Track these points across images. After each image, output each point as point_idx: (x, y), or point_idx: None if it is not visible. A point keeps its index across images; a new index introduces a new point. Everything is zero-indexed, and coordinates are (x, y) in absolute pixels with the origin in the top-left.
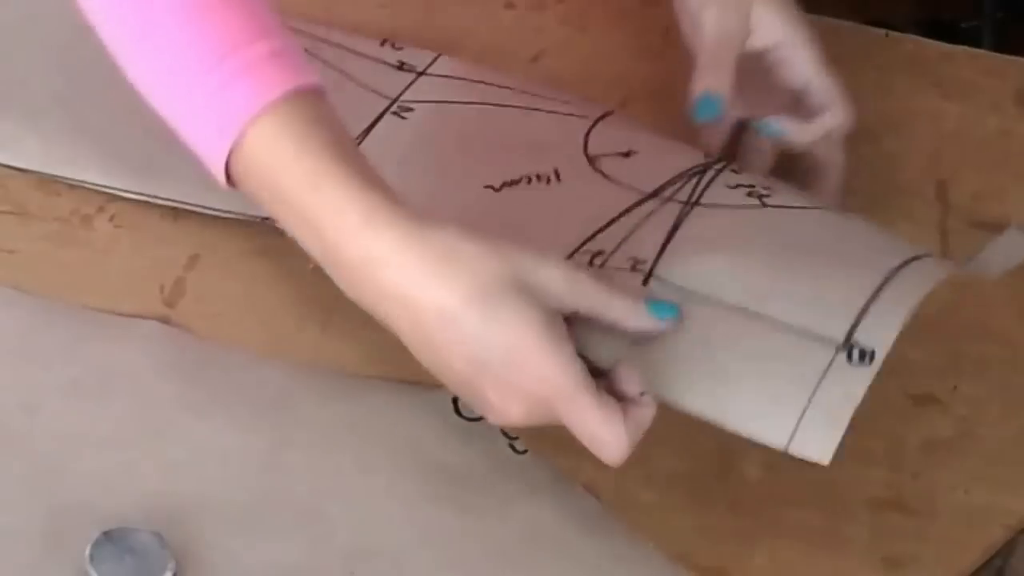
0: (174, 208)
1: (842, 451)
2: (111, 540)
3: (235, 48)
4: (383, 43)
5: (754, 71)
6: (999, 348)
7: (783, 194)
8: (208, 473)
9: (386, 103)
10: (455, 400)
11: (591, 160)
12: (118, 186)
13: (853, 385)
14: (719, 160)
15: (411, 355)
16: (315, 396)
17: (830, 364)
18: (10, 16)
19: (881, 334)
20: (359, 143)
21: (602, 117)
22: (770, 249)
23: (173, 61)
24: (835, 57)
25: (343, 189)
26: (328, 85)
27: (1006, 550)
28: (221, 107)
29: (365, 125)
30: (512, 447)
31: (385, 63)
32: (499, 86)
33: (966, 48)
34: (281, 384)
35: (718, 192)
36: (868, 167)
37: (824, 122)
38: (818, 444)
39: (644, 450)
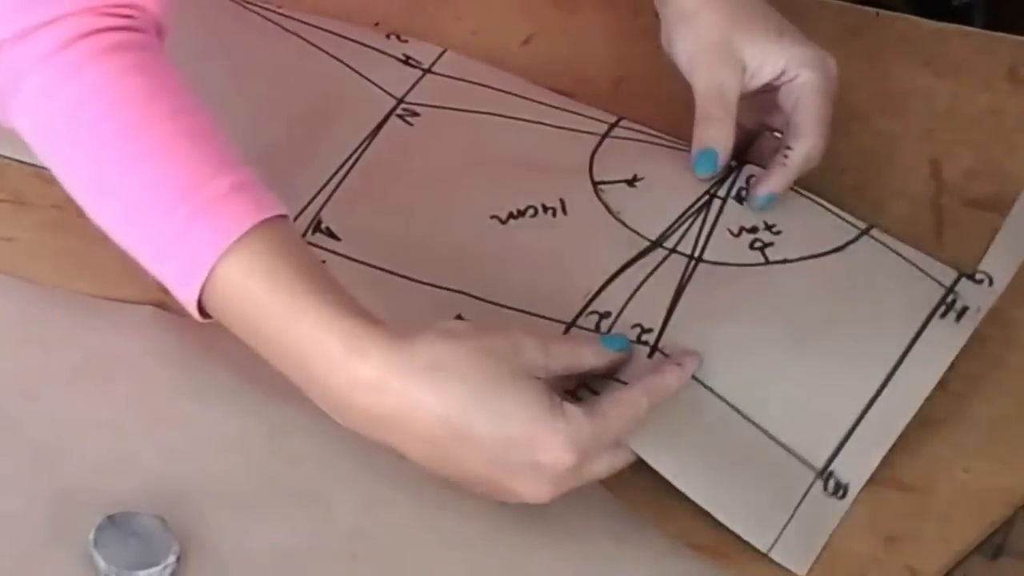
0: None
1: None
2: (115, 524)
3: (194, 188)
4: (388, 36)
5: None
6: (995, 327)
7: (788, 237)
8: (209, 457)
9: (392, 103)
10: None
11: (596, 187)
12: None
13: (827, 516)
14: (724, 181)
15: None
16: None
17: (809, 489)
18: None
19: (857, 469)
20: (366, 146)
21: (608, 132)
22: (768, 339)
23: (133, 210)
24: (827, 37)
25: (323, 320)
26: (333, 78)
27: (1005, 527)
28: (185, 252)
29: (372, 126)
30: None
31: (390, 56)
32: (505, 92)
33: (958, 26)
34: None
35: (722, 241)
36: (861, 146)
37: (795, 157)
38: (795, 557)
39: None
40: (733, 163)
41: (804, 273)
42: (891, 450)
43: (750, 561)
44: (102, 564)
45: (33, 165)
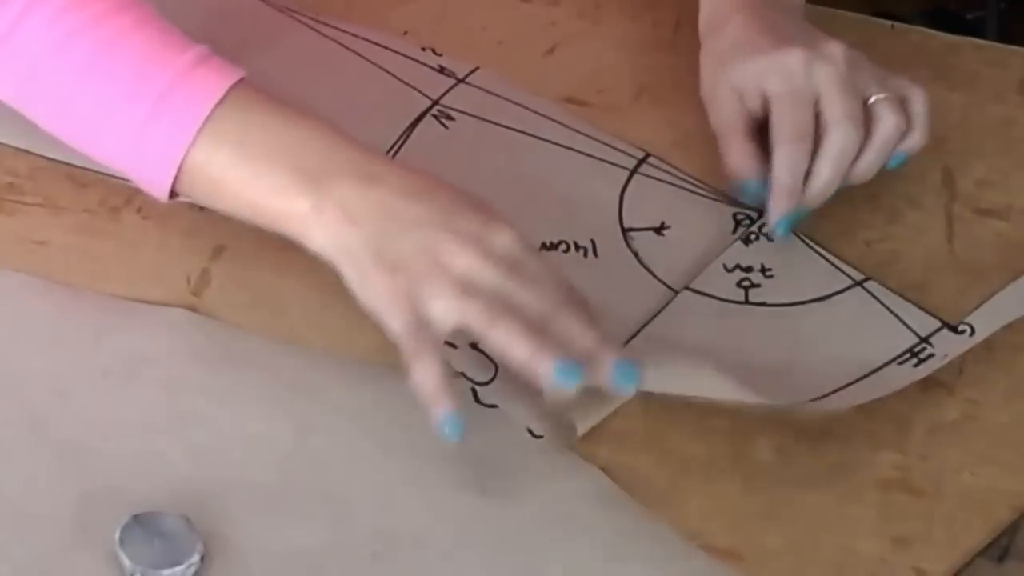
0: None
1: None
2: (140, 524)
3: (156, 72)
4: (424, 48)
5: None
6: (1004, 332)
7: (777, 282)
8: (235, 458)
9: (427, 103)
10: (473, 388)
11: (625, 233)
12: None
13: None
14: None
15: None
16: (338, 383)
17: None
18: None
19: None
20: (401, 143)
21: (637, 168)
22: (717, 372)
23: (98, 106)
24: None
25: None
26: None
27: (1011, 530)
28: (159, 135)
29: (407, 123)
30: (530, 432)
31: (426, 65)
32: (537, 112)
33: (971, 39)
34: (305, 371)
35: (713, 274)
36: None
37: (775, 172)
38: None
39: (658, 433)
40: (752, 216)
41: (776, 318)
42: (901, 454)
43: (764, 562)
44: (127, 563)
45: (67, 164)
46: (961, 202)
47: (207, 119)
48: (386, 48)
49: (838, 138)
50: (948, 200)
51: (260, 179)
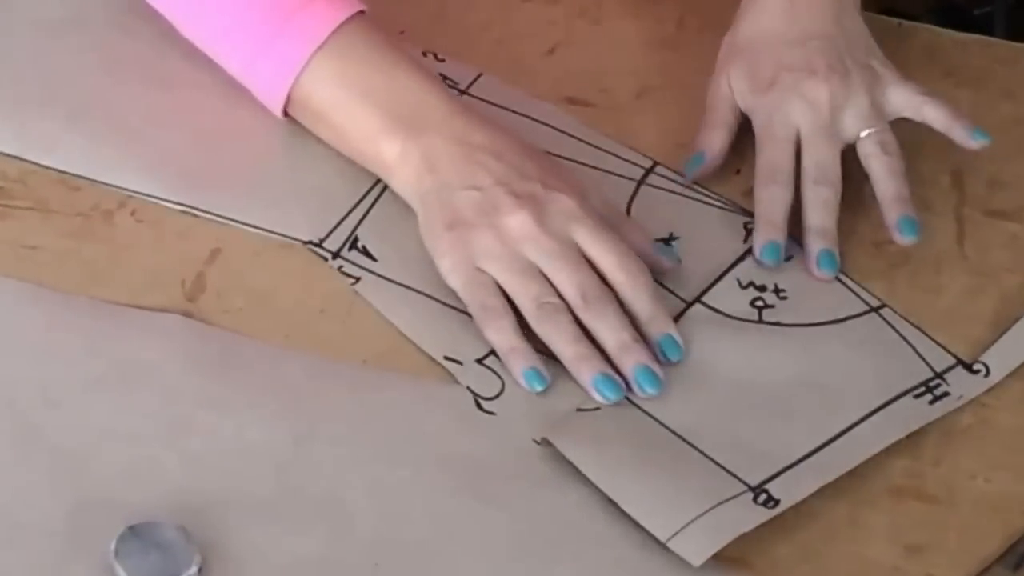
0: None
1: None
2: (136, 534)
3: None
4: (425, 54)
5: None
6: None
7: (792, 304)
8: (232, 467)
9: None
10: (476, 394)
11: None
12: (161, 195)
13: (746, 519)
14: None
15: (431, 349)
16: (337, 389)
17: (737, 496)
18: (52, 16)
19: (793, 491)
20: None
21: (644, 179)
22: (729, 389)
23: (224, 23)
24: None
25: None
26: None
27: None
28: (271, 62)
29: None
30: (533, 439)
31: None
32: (541, 122)
33: (980, 37)
34: (303, 377)
35: (727, 289)
36: None
37: (757, 193)
38: (694, 549)
39: None
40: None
41: (790, 338)
42: (913, 460)
43: (774, 571)
44: (123, 575)
45: (58, 171)
46: (971, 204)
47: (312, 56)
48: None
49: (813, 191)
50: (958, 202)
51: (355, 122)
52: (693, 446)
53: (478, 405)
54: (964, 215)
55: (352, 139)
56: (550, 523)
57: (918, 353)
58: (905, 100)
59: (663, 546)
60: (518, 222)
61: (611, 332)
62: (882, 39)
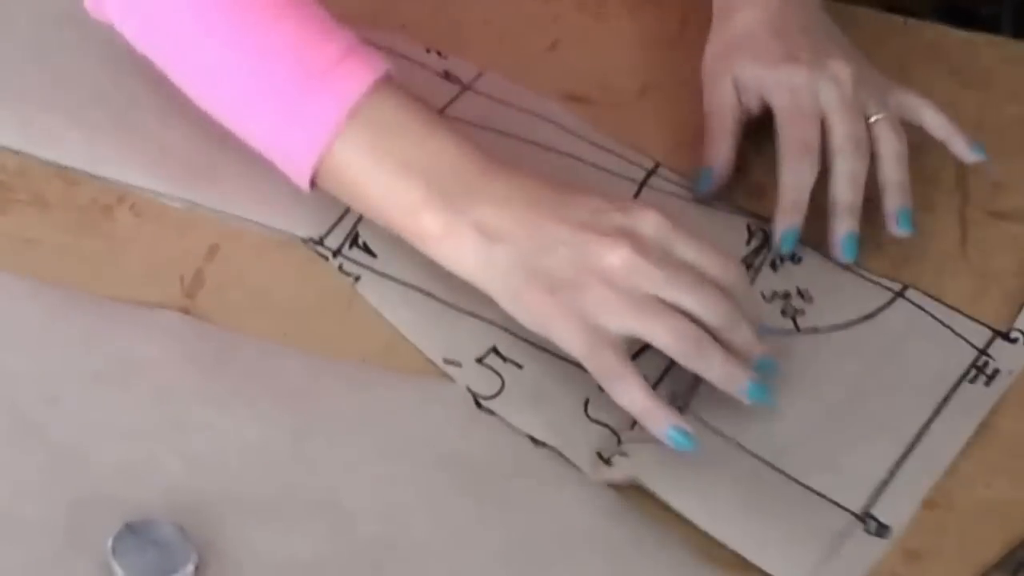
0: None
1: None
2: (133, 532)
3: (301, 62)
4: (428, 50)
5: None
6: None
7: (819, 305)
8: (230, 465)
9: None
10: (475, 394)
11: None
12: (162, 190)
13: (868, 555)
14: (761, 242)
15: (431, 352)
16: (336, 387)
17: (848, 529)
18: (53, 11)
19: (899, 512)
20: None
21: (646, 180)
22: (796, 407)
23: (246, 89)
24: (854, 45)
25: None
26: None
27: None
28: (306, 122)
29: None
30: (531, 439)
31: (431, 69)
32: (544, 119)
33: (986, 35)
34: (302, 375)
35: None
36: None
37: (781, 191)
38: None
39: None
40: (766, 228)
41: (833, 344)
42: None
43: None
44: (120, 573)
45: (58, 165)
46: (974, 205)
47: (344, 123)
48: (391, 51)
49: (845, 164)
50: (961, 203)
51: (393, 194)
52: (785, 474)
53: (477, 404)
54: (968, 216)
55: (391, 215)
56: (549, 523)
57: (956, 333)
58: (904, 98)
59: (663, 550)
60: (620, 259)
61: (746, 347)
62: (887, 37)
